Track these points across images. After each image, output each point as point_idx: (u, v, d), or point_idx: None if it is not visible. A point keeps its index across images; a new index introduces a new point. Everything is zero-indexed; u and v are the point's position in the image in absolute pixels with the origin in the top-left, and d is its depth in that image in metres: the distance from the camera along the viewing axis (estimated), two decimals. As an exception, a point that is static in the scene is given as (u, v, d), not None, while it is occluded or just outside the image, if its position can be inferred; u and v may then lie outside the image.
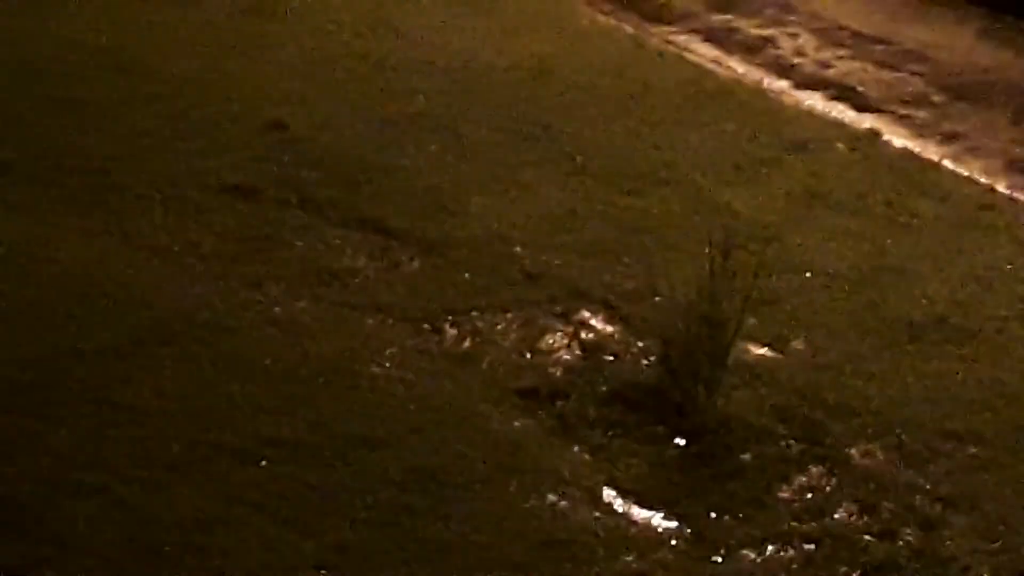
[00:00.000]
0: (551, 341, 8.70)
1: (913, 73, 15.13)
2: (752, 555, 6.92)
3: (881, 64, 15.37)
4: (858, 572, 6.83)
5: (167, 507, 6.79)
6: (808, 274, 9.67)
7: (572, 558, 6.73)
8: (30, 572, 6.24)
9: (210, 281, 9.00)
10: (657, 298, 9.02)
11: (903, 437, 7.88)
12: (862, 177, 11.64)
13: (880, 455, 7.75)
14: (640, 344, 8.60)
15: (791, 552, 6.94)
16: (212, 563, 6.45)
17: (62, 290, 8.72)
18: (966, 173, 12.26)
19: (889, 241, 10.45)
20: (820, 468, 7.60)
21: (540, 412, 7.94)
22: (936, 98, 14.42)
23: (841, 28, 16.57)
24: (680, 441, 7.75)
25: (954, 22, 17.13)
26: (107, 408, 7.53)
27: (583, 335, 8.78)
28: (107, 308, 8.54)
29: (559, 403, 8.02)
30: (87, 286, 8.79)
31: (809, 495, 7.41)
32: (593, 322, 8.93)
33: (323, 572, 6.47)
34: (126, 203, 9.98)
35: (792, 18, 16.91)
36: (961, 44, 16.35)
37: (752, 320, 8.33)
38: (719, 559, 6.88)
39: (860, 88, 14.48)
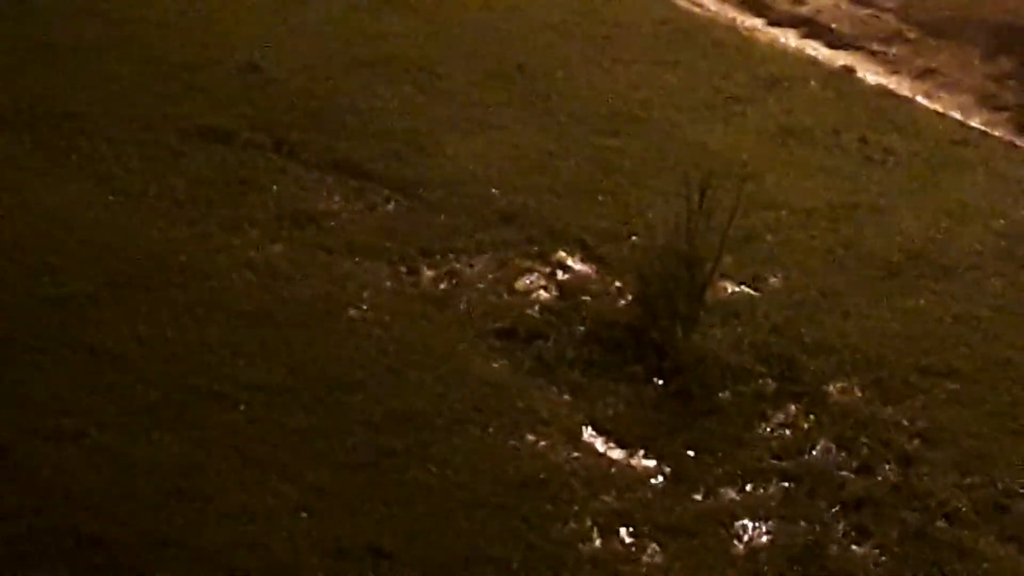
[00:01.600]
0: (528, 282, 8.70)
1: (887, 10, 15.09)
2: (732, 493, 6.95)
3: (855, 1, 15.35)
4: (837, 508, 6.86)
5: (147, 452, 6.80)
6: (784, 211, 9.66)
7: (552, 498, 6.76)
8: (12, 518, 6.26)
9: (185, 225, 8.97)
10: (633, 237, 9.02)
11: (880, 373, 7.92)
12: (836, 114, 11.62)
13: (857, 392, 7.78)
14: (617, 284, 8.60)
15: (770, 489, 6.98)
16: (192, 507, 6.47)
17: (37, 236, 8.68)
18: (940, 109, 12.27)
19: (864, 177, 10.44)
20: (798, 405, 7.63)
21: (518, 353, 7.94)
22: (910, 34, 14.39)
23: (815, -36, 16.56)
24: (658, 380, 7.76)
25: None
26: (85, 354, 7.52)
27: (560, 275, 8.78)
28: (82, 254, 8.50)
29: (537, 344, 8.03)
30: (62, 232, 8.76)
31: (787, 432, 7.44)
32: (570, 262, 8.93)
33: (303, 515, 6.49)
34: (100, 148, 9.92)
35: (765, -46, 16.90)
36: (935, -22, 16.35)
37: (729, 258, 8.33)
38: (699, 497, 6.92)
39: (834, 25, 14.44)
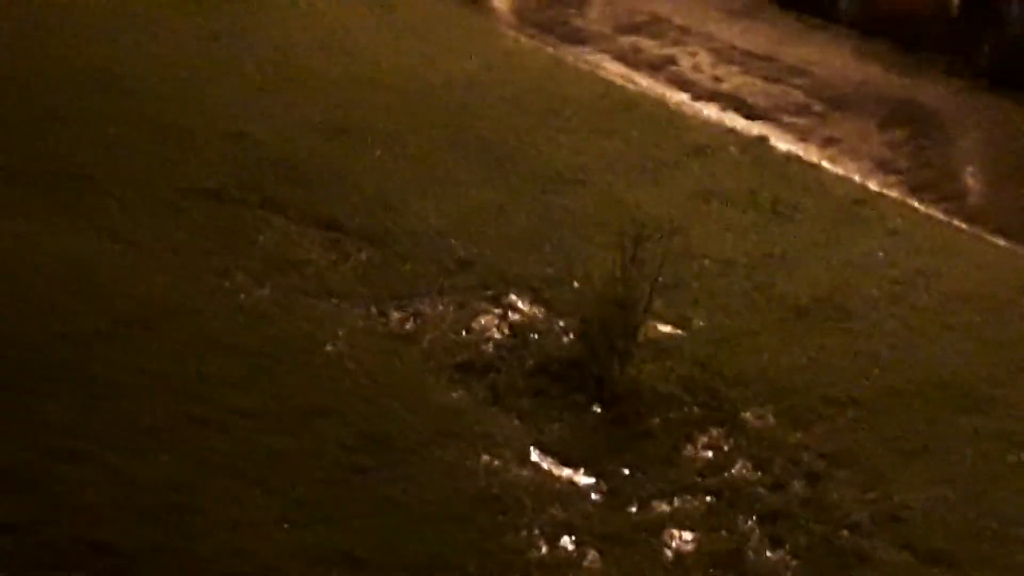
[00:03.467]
0: (483, 321, 8.72)
1: (795, 86, 15.23)
2: (662, 506, 6.97)
3: (768, 78, 15.45)
4: (754, 519, 6.89)
5: (147, 470, 6.74)
6: (707, 261, 9.72)
7: (505, 510, 6.76)
8: (28, 528, 6.21)
9: (182, 271, 8.96)
10: (575, 283, 9.04)
11: (791, 402, 7.96)
12: (752, 177, 11.70)
13: (771, 418, 7.82)
14: (561, 323, 8.63)
15: (696, 503, 7.00)
16: (187, 518, 6.42)
17: (50, 281, 8.62)
18: (842, 173, 12.36)
19: (777, 232, 10.53)
20: (719, 430, 7.66)
21: (475, 384, 7.96)
22: (816, 107, 14.51)
23: (733, 48, 16.66)
24: (597, 408, 7.79)
25: (830, 42, 17.24)
26: (93, 385, 7.47)
27: (511, 316, 8.81)
28: (91, 296, 8.47)
29: (491, 375, 8.05)
30: (73, 277, 8.72)
31: (710, 453, 7.47)
32: (520, 304, 8.95)
33: (285, 526, 6.45)
34: (107, 203, 9.91)
35: (690, 39, 16.97)
36: (837, 61, 16.46)
37: (658, 302, 8.35)
38: (633, 510, 6.94)
39: (750, 99, 14.55)
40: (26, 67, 12.85)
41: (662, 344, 8.42)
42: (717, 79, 15.27)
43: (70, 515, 6.36)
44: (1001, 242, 11.03)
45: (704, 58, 16.07)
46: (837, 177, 12.21)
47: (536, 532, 6.63)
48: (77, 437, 6.94)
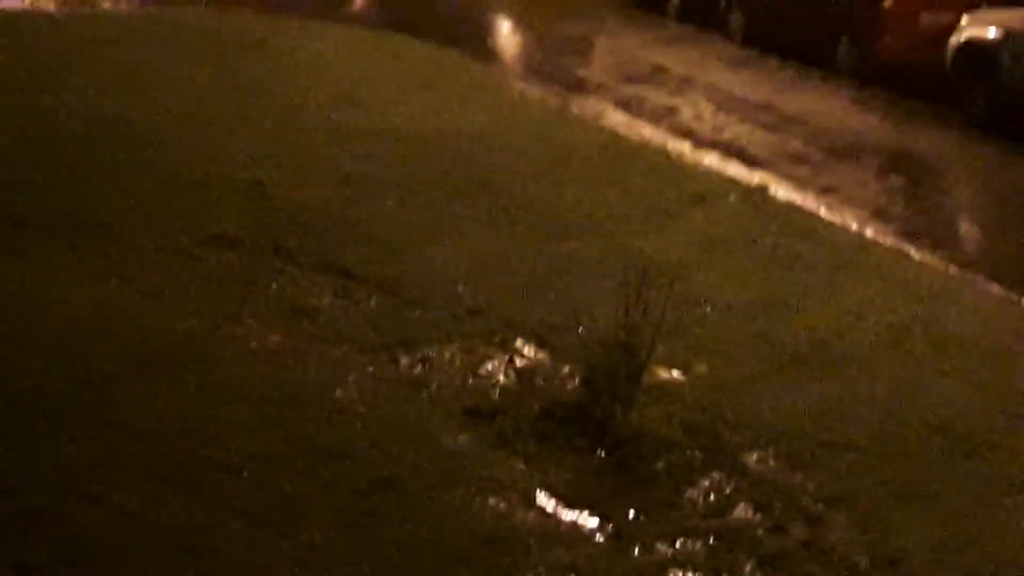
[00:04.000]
0: (490, 367, 8.68)
1: (795, 135, 15.30)
2: (664, 548, 6.90)
3: (768, 127, 15.53)
4: (754, 562, 6.82)
5: (164, 513, 6.71)
6: (709, 307, 9.71)
7: (511, 552, 6.70)
8: (46, 569, 6.19)
9: (197, 318, 8.94)
10: (580, 329, 8.99)
11: (791, 446, 7.90)
12: (752, 224, 11.72)
13: (771, 462, 7.77)
14: (566, 369, 8.59)
15: (697, 545, 6.93)
16: (202, 561, 6.41)
17: (71, 327, 8.63)
18: (840, 221, 12.39)
19: (776, 279, 10.54)
20: (720, 473, 7.59)
21: (481, 428, 7.90)
22: (814, 156, 14.57)
23: (733, 97, 16.75)
24: (601, 452, 7.73)
25: (829, 92, 17.35)
26: (111, 428, 7.44)
27: (517, 362, 8.76)
28: (110, 342, 8.45)
29: (498, 420, 7.98)
30: (92, 323, 8.72)
31: (712, 496, 7.40)
32: (525, 350, 8.93)
33: (296, 569, 6.41)
34: (125, 252, 9.93)
35: (691, 89, 17.08)
36: (835, 111, 16.55)
37: (661, 347, 8.27)
38: (636, 552, 6.87)
39: (750, 148, 14.61)
40: (51, 120, 12.94)
41: (665, 389, 8.40)
42: (718, 128, 15.35)
43: (87, 557, 6.33)
44: (996, 289, 11.02)
45: (705, 107, 16.16)
46: (835, 225, 12.24)
47: (542, 573, 6.56)
48: (95, 480, 6.91)
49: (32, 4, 19.82)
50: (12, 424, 7.40)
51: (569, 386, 8.36)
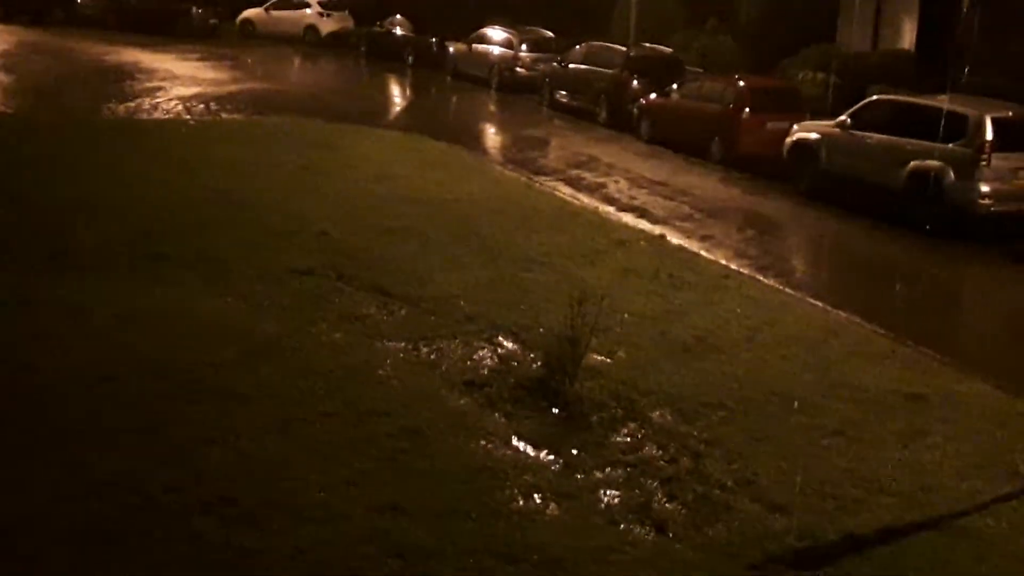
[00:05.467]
0: (481, 354, 8.67)
1: (683, 202, 15.34)
2: (599, 474, 6.91)
3: (665, 197, 15.57)
4: (657, 482, 6.82)
5: (264, 452, 6.65)
6: (626, 315, 9.72)
7: (495, 476, 6.73)
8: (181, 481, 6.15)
9: (286, 322, 8.94)
10: (541, 329, 9.02)
11: (681, 406, 7.93)
12: (656, 260, 11.74)
13: (668, 416, 7.78)
14: (532, 355, 8.59)
15: (620, 472, 6.94)
16: (288, 480, 6.34)
17: (199, 327, 8.63)
18: (714, 258, 12.43)
19: (672, 296, 10.55)
20: (635, 424, 7.62)
21: (476, 394, 7.91)
22: (697, 216, 14.62)
23: (643, 177, 16.81)
24: (556, 410, 7.74)
25: (706, 174, 17.44)
26: (226, 395, 7.45)
27: (499, 350, 8.76)
28: (225, 337, 8.45)
29: (486, 389, 8.00)
30: (213, 324, 8.71)
31: (629, 439, 7.42)
32: (505, 343, 8.92)
33: (351, 488, 6.34)
34: (236, 278, 9.91)
35: (614, 172, 17.13)
36: (709, 185, 16.62)
37: (594, 341, 8.32)
38: (580, 476, 6.88)
39: (654, 210, 14.64)
40: (185, 190, 12.94)
41: (597, 369, 8.40)
42: (632, 197, 15.39)
43: (209, 479, 6.32)
44: (817, 303, 11.08)
45: (624, 184, 16.21)
46: (710, 261, 12.29)
47: (516, 491, 6.59)
48: (215, 430, 6.92)
49: (176, 115, 19.84)
50: (160, 392, 7.40)
51: (534, 367, 8.36)
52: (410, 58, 29.34)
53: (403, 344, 8.71)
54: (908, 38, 22.01)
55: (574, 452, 7.18)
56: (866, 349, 9.55)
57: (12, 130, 16.98)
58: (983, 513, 6.69)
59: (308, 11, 33.64)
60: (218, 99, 21.74)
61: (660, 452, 7.24)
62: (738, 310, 10.29)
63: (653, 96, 20.00)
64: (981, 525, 6.58)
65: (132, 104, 20.69)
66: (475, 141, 19.68)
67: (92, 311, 8.79)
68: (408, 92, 26.95)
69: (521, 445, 7.24)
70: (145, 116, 19.62)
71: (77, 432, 6.75)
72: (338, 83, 26.75)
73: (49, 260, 9.99)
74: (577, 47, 23.40)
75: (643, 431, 7.53)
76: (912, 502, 6.78)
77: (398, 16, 30.65)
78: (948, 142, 14.26)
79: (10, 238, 10.63)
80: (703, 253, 12.61)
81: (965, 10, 20.34)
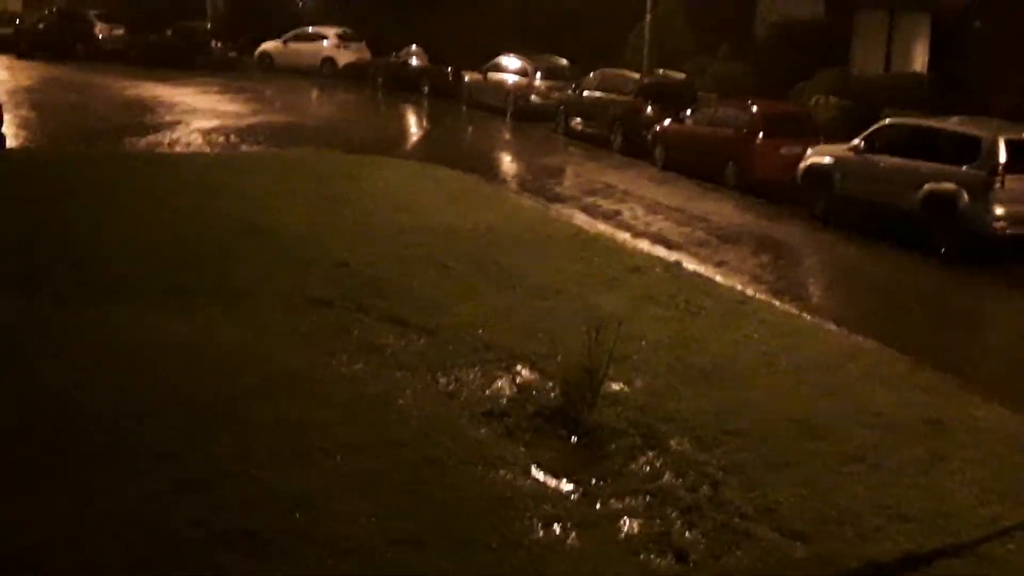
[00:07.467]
0: (499, 383, 8.64)
1: (698, 228, 15.33)
2: (618, 503, 6.86)
3: (680, 223, 15.56)
4: (677, 511, 6.78)
5: (284, 481, 6.63)
6: (643, 342, 9.68)
7: (514, 507, 6.69)
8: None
9: (306, 352, 8.94)
10: (559, 358, 8.96)
11: (699, 434, 7.87)
12: (671, 287, 11.72)
13: (687, 444, 7.73)
14: (550, 384, 8.55)
15: (639, 501, 6.90)
16: (313, 513, 6.32)
17: (219, 358, 8.64)
18: (729, 284, 12.40)
19: (688, 322, 10.51)
20: (653, 452, 7.56)
21: (494, 424, 7.88)
22: (712, 242, 14.60)
23: (658, 204, 16.80)
24: (574, 439, 7.72)
25: (721, 199, 17.42)
26: (247, 426, 7.42)
27: (518, 380, 8.73)
28: (245, 368, 8.45)
29: (505, 419, 7.97)
30: (234, 355, 8.72)
31: (647, 468, 7.37)
32: (523, 372, 8.89)
33: (373, 518, 6.31)
34: (256, 309, 9.94)
35: (630, 198, 17.13)
36: (724, 211, 16.60)
37: (612, 369, 8.29)
38: (599, 505, 6.85)
39: (669, 236, 14.64)
40: (208, 221, 13.02)
41: (615, 397, 8.36)
42: (648, 223, 15.38)
43: (232, 511, 6.29)
44: (834, 327, 11.04)
45: (639, 210, 16.20)
46: (726, 286, 12.25)
47: (536, 521, 6.55)
48: (234, 462, 6.90)
49: (197, 148, 19.98)
50: (181, 422, 7.41)
51: (552, 395, 8.32)
52: (426, 88, 29.54)
53: (422, 375, 8.69)
54: (920, 61, 22.00)
55: (593, 481, 7.14)
56: (883, 373, 9.48)
57: (37, 164, 17.14)
58: (1003, 539, 6.61)
59: (325, 43, 33.86)
60: (238, 131, 21.90)
61: (679, 480, 7.18)
62: (755, 335, 10.24)
63: (667, 122, 20.03)
64: (1002, 551, 6.50)
65: (153, 137, 20.86)
66: (491, 170, 19.73)
67: (117, 340, 8.83)
68: (425, 122, 27.06)
69: (540, 474, 7.20)
70: (167, 149, 19.77)
71: (100, 461, 6.77)
72: (356, 114, 26.88)
73: (77, 287, 10.09)
74: (591, 74, 23.49)
75: (662, 459, 7.47)
76: (932, 529, 6.71)
77: (414, 47, 30.88)
78: (962, 164, 14.22)
79: (39, 268, 10.71)
80: (719, 279, 12.57)
81: (975, 32, 20.34)
